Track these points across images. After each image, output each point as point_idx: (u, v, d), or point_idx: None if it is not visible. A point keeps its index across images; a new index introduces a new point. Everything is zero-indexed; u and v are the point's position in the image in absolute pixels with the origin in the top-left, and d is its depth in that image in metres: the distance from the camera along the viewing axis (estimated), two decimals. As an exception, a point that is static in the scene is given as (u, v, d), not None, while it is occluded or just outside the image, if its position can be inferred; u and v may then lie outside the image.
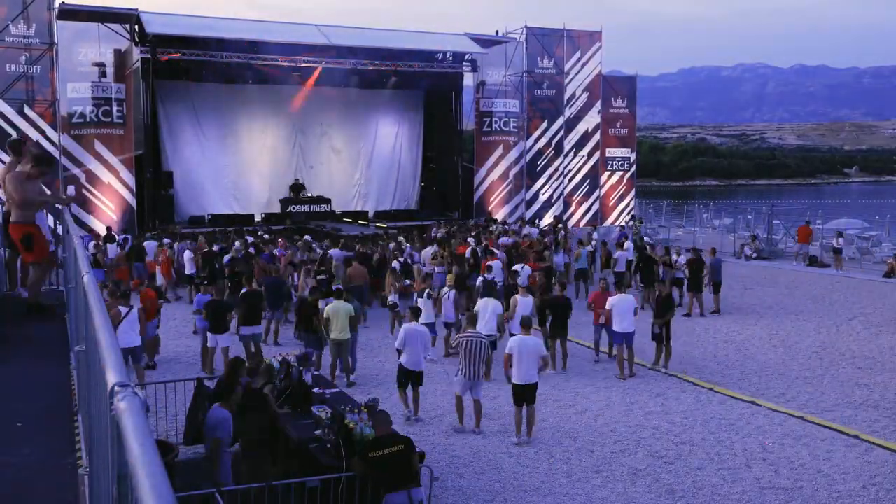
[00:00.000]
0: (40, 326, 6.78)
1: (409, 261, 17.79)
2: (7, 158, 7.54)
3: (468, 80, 29.22)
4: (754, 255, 26.65)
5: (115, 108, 23.12)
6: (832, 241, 24.97)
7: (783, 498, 7.86)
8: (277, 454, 7.81)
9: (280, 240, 20.16)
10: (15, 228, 6.94)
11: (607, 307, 12.73)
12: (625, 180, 31.93)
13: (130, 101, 23.50)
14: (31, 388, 5.14)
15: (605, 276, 15.76)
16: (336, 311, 11.89)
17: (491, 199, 29.36)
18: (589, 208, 30.99)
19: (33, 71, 21.43)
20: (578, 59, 30.09)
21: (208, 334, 12.37)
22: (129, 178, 23.49)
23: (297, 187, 27.62)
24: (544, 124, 29.78)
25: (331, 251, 18.48)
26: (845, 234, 25.63)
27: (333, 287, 15.00)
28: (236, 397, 7.23)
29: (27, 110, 21.33)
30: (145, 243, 19.68)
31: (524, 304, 12.66)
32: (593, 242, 22.10)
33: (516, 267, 16.66)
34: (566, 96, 29.96)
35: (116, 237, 20.68)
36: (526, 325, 9.98)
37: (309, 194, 27.54)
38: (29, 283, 7.30)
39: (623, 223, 30.43)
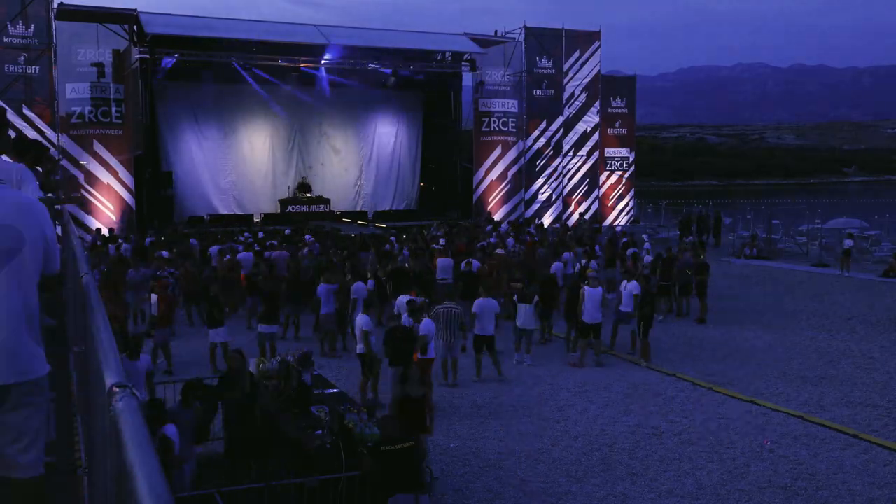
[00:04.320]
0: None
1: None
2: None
3: (467, 79, 29.27)
4: (754, 251, 26.69)
5: (113, 109, 23.12)
6: (830, 240, 24.92)
7: (783, 497, 7.86)
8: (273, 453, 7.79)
9: (307, 237, 20.20)
10: None
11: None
12: (624, 180, 31.92)
13: (129, 101, 23.51)
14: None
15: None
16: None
17: (490, 199, 29.35)
18: (588, 208, 30.99)
19: (32, 71, 21.45)
20: (577, 59, 30.08)
21: (209, 331, 12.60)
22: (129, 179, 23.49)
23: (303, 187, 27.65)
24: (543, 124, 29.76)
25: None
26: (853, 234, 25.42)
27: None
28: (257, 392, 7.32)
29: (26, 110, 21.33)
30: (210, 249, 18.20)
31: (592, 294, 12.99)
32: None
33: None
34: (565, 96, 29.94)
35: (118, 238, 20.65)
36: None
37: (308, 194, 27.57)
38: None
39: (619, 223, 30.46)
